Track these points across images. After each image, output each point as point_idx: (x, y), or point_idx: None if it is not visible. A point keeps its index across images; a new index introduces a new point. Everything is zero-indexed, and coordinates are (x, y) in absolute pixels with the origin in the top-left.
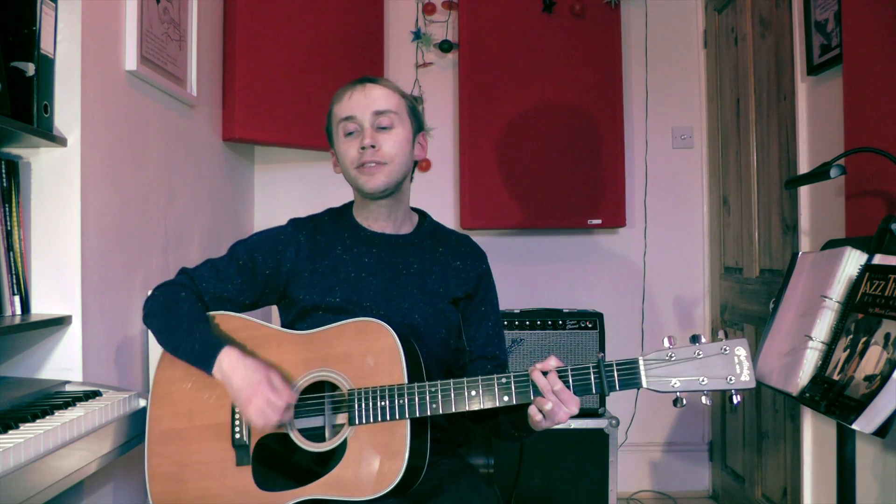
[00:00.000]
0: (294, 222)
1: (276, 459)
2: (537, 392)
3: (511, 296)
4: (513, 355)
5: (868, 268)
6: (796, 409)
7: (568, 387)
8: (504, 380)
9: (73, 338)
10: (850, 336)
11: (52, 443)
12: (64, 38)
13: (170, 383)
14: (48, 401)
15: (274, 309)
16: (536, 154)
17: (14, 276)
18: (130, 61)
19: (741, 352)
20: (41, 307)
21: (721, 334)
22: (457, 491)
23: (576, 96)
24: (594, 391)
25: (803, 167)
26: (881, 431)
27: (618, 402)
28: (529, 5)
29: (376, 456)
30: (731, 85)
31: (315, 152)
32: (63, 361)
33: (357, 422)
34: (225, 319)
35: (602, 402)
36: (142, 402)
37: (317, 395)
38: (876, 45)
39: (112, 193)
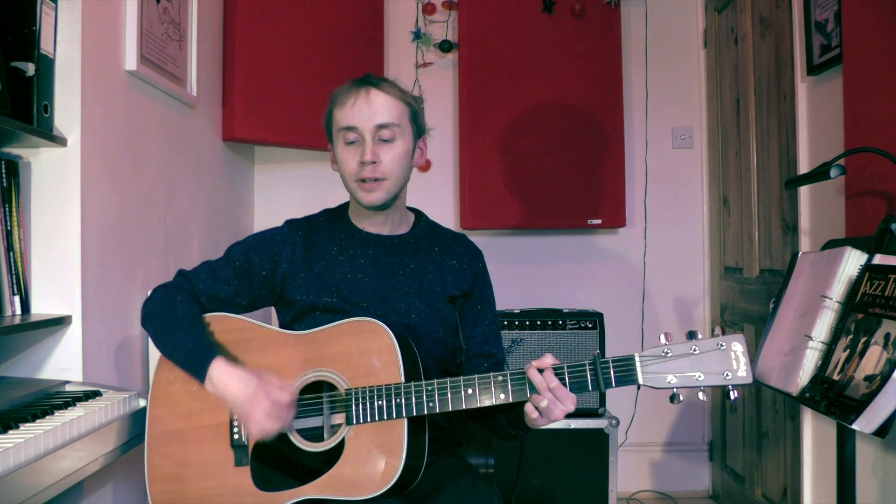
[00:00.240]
0: (290, 223)
1: (274, 459)
2: (533, 390)
3: (511, 296)
4: (513, 355)
5: (868, 268)
6: (796, 409)
7: (564, 384)
8: (500, 378)
9: (73, 338)
10: (850, 336)
11: (52, 443)
12: (64, 38)
13: (169, 384)
14: (48, 401)
15: (273, 310)
16: (536, 154)
17: (14, 276)
18: (130, 61)
19: (738, 347)
20: (41, 307)
21: (717, 330)
22: (457, 490)
23: (576, 96)
24: (590, 388)
25: (803, 167)
26: (881, 431)
27: (618, 402)
28: (529, 5)
29: (374, 455)
30: (731, 85)
31: (315, 152)
32: (63, 361)
33: (355, 421)
34: (222, 320)
35: (602, 403)
36: (142, 402)
37: (315, 395)
38: (876, 45)
39: (112, 193)
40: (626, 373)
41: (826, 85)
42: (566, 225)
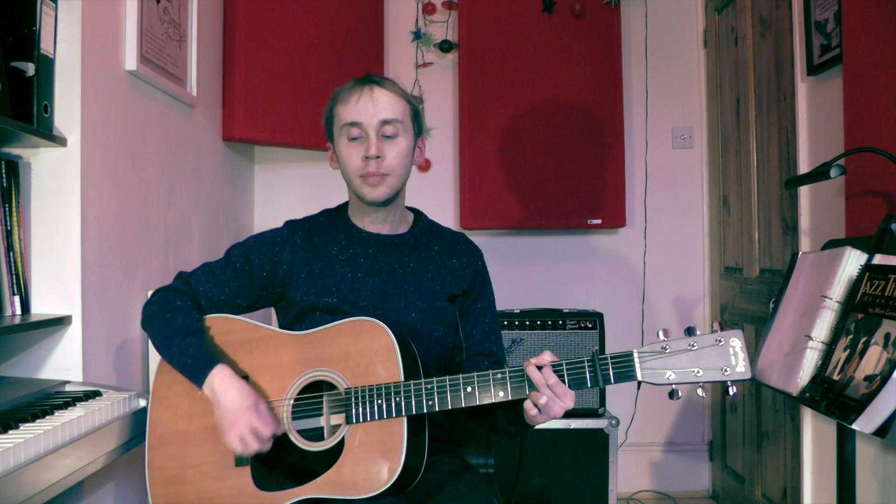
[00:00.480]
0: (290, 224)
1: (274, 459)
2: (532, 387)
3: (511, 296)
4: (513, 355)
5: (868, 268)
6: (796, 408)
7: (563, 381)
8: (499, 375)
9: (72, 338)
10: (850, 336)
11: (52, 443)
12: (64, 38)
13: (169, 386)
14: (48, 401)
15: (272, 311)
16: (536, 154)
17: (14, 276)
18: (130, 61)
19: (736, 343)
20: (41, 307)
21: (716, 326)
22: (457, 491)
23: (576, 96)
24: (589, 385)
25: (803, 167)
26: (881, 431)
27: (618, 402)
28: (529, 5)
29: (374, 454)
30: (731, 85)
31: (315, 152)
32: (63, 361)
33: (354, 420)
34: (222, 321)
35: (602, 402)
36: (142, 402)
37: (314, 395)
38: (876, 44)
39: (112, 193)
40: (624, 369)
41: (826, 85)
42: (566, 225)
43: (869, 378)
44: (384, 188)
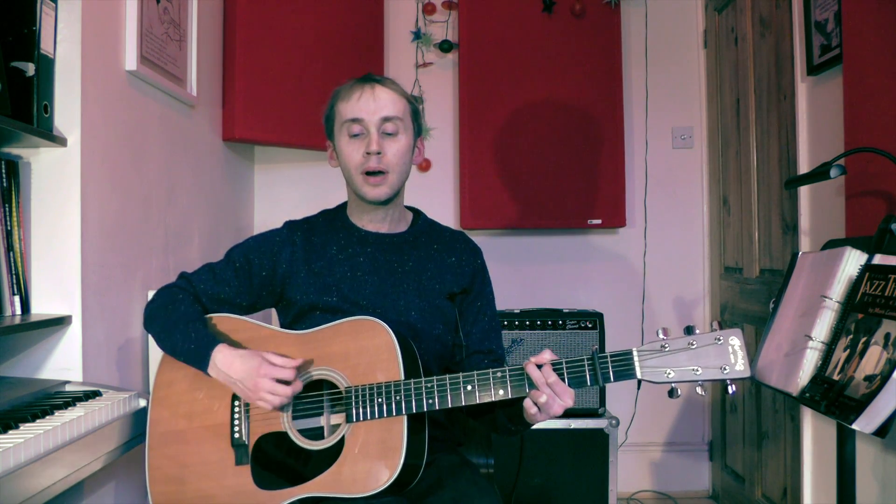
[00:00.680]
0: (289, 224)
1: (274, 458)
2: (532, 385)
3: (511, 296)
4: (513, 355)
5: (868, 268)
6: (796, 408)
7: (563, 379)
8: (499, 374)
9: (73, 338)
10: (850, 336)
11: (52, 443)
12: (64, 38)
13: (169, 386)
14: (48, 401)
15: (273, 312)
16: (536, 154)
17: (14, 276)
18: (130, 61)
19: (735, 342)
20: (41, 307)
21: (715, 325)
22: (456, 486)
23: (576, 96)
24: (589, 383)
25: (803, 167)
26: (881, 431)
27: (618, 402)
28: (529, 5)
29: (374, 453)
30: (731, 85)
31: (315, 152)
32: (63, 361)
33: (354, 419)
34: (223, 320)
35: (602, 403)
36: (142, 402)
37: (315, 394)
38: (876, 45)
39: (112, 193)
40: (624, 367)
41: (826, 85)
42: (566, 225)
43: (869, 378)
44: (385, 188)
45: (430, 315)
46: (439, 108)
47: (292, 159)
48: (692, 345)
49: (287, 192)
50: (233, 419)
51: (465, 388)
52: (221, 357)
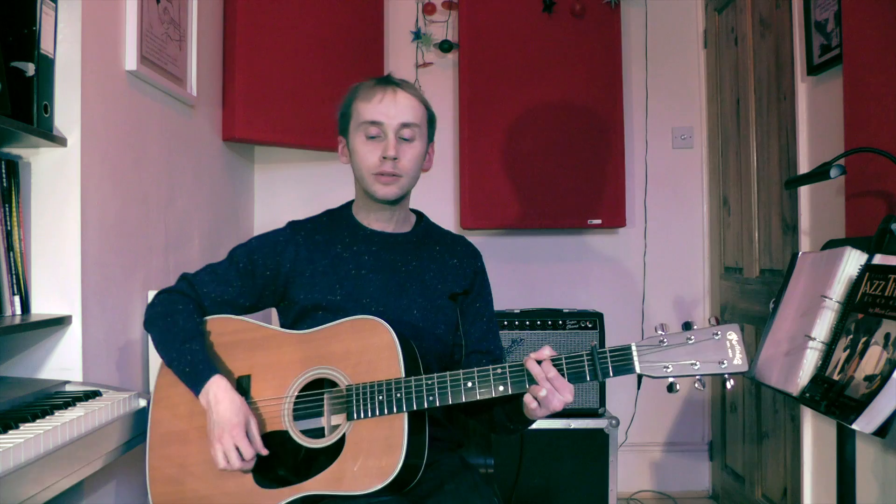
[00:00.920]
0: (292, 224)
1: (275, 457)
2: (532, 381)
3: (511, 296)
4: (513, 355)
5: (868, 268)
6: (796, 408)
7: (562, 375)
8: (499, 370)
9: (73, 338)
10: (850, 336)
11: (52, 443)
12: (64, 38)
13: (171, 387)
14: (48, 401)
15: (274, 313)
16: (536, 154)
17: (14, 276)
18: (130, 61)
19: (733, 336)
20: (41, 307)
21: (713, 321)
22: (457, 490)
23: (576, 96)
24: (588, 378)
25: (803, 167)
26: (881, 431)
27: (618, 402)
28: (529, 5)
29: (374, 450)
30: (731, 85)
31: (315, 152)
32: (63, 361)
33: (355, 417)
34: (224, 322)
35: (602, 402)
36: (142, 402)
37: (316, 392)
38: (876, 44)
39: (112, 193)
40: (623, 362)
41: (826, 85)
42: (566, 225)
43: (869, 378)
44: (395, 188)
45: (431, 314)
46: (439, 108)
47: (292, 159)
48: (690, 340)
49: (287, 192)
50: None
51: (465, 384)
52: (216, 389)
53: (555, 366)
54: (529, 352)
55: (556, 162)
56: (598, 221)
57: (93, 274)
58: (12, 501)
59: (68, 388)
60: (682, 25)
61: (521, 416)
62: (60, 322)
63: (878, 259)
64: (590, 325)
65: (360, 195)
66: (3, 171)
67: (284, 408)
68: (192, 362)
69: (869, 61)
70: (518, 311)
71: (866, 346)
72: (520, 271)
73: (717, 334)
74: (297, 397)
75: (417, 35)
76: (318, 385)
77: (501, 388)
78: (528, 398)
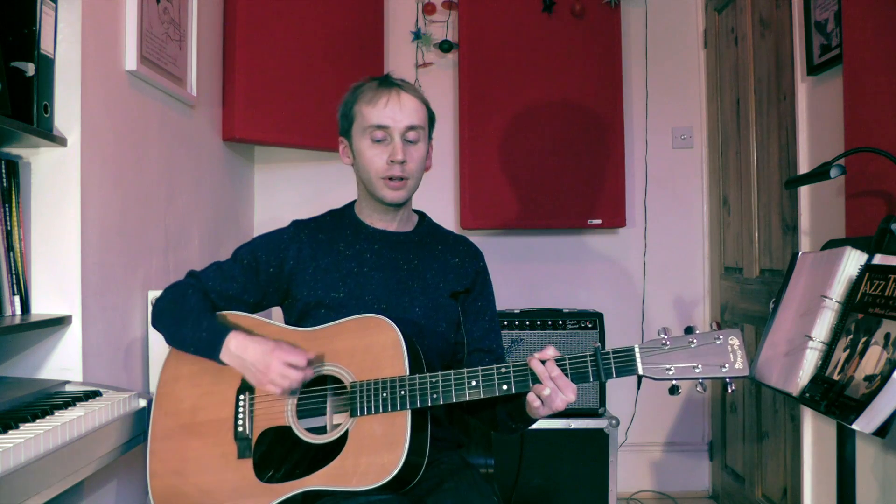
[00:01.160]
0: (296, 223)
1: (277, 452)
2: (536, 380)
3: (511, 296)
4: (513, 355)
5: (868, 268)
6: (796, 408)
7: (566, 374)
8: (503, 369)
9: (73, 338)
10: (850, 336)
11: (52, 443)
12: (64, 38)
13: (175, 381)
14: (48, 401)
15: (277, 311)
16: (536, 154)
17: (14, 276)
18: (130, 61)
19: (734, 341)
20: (41, 307)
21: (714, 326)
22: (457, 489)
23: (576, 96)
24: (591, 379)
25: (803, 167)
26: (881, 431)
27: (618, 402)
28: (529, 5)
29: (376, 447)
30: (731, 85)
31: (315, 152)
32: (63, 361)
33: (359, 413)
34: (231, 318)
35: (602, 402)
36: (142, 402)
37: (320, 389)
38: (876, 44)
39: (112, 193)
40: (626, 363)
41: (826, 85)
42: (566, 225)
43: (869, 378)
44: (404, 192)
45: (433, 312)
46: (439, 108)
47: (292, 159)
48: (692, 343)
49: (287, 192)
50: (237, 413)
51: (469, 383)
52: (235, 342)
53: (558, 365)
54: (529, 351)
55: (556, 162)
56: (598, 221)
57: (93, 274)
58: (12, 501)
59: (68, 388)
60: (682, 25)
61: (524, 414)
62: (60, 322)
63: (878, 259)
64: (590, 325)
65: (364, 196)
66: (3, 171)
67: (288, 404)
68: (207, 328)
69: (869, 61)
70: (518, 311)
71: (866, 346)
72: (520, 271)
73: (718, 338)
74: (302, 393)
75: (417, 35)
76: (323, 382)
77: (505, 386)
78: (531, 397)
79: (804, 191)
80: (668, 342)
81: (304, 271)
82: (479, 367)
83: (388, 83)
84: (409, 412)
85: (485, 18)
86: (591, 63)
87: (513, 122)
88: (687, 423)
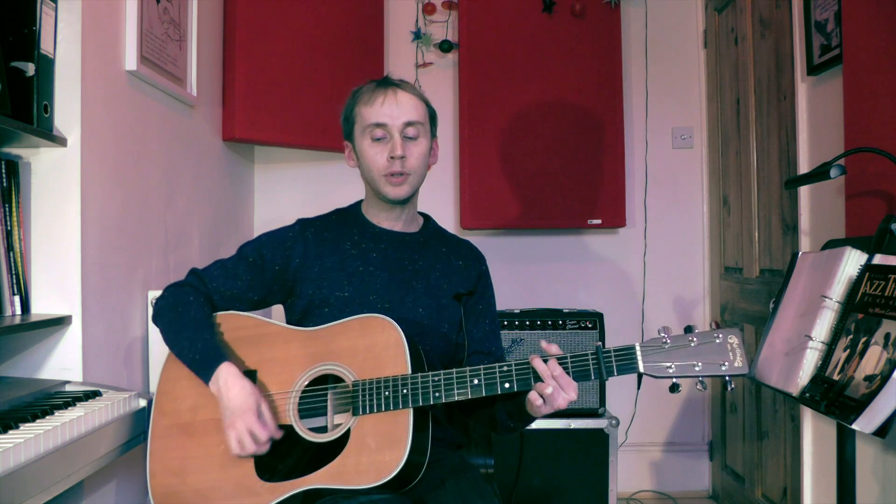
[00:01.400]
0: (302, 222)
1: (278, 450)
2: (538, 378)
3: (511, 296)
4: (513, 355)
5: (868, 268)
6: (796, 408)
7: (567, 373)
8: (505, 368)
9: (73, 338)
10: (850, 336)
11: (52, 443)
12: (64, 38)
13: (176, 380)
14: (48, 401)
15: (278, 311)
16: (536, 154)
17: (14, 276)
18: (130, 61)
19: (734, 340)
20: (41, 307)
21: (713, 325)
22: (457, 488)
23: (576, 96)
24: (593, 377)
25: (803, 167)
26: (881, 431)
27: (618, 402)
28: (529, 5)
29: (378, 445)
30: (731, 85)
31: (315, 152)
32: (63, 361)
33: (361, 412)
34: (233, 318)
35: (602, 402)
36: (142, 402)
37: (321, 388)
38: (876, 45)
39: (112, 193)
40: (627, 362)
41: (826, 85)
42: (566, 225)
43: (869, 378)
44: (406, 187)
45: (436, 313)
46: (439, 108)
47: (292, 159)
48: (692, 342)
49: (287, 192)
50: None
51: (471, 381)
52: (226, 376)
53: (560, 364)
54: (529, 351)
55: (556, 162)
56: (598, 221)
57: (93, 274)
58: (12, 501)
59: (68, 388)
60: (682, 25)
61: (523, 413)
62: (60, 322)
63: (878, 259)
64: (590, 325)
65: (370, 195)
66: (3, 171)
67: (289, 402)
68: (202, 350)
69: (869, 61)
70: (518, 311)
71: (866, 346)
72: (520, 271)
73: (718, 337)
74: (303, 392)
75: (417, 35)
76: (325, 381)
77: (507, 385)
78: (533, 395)
79: (804, 191)
80: (668, 341)
81: (310, 270)
82: (482, 366)
83: (384, 83)
84: (410, 411)
85: (485, 18)
86: (591, 63)
87: (513, 122)
88: (687, 423)
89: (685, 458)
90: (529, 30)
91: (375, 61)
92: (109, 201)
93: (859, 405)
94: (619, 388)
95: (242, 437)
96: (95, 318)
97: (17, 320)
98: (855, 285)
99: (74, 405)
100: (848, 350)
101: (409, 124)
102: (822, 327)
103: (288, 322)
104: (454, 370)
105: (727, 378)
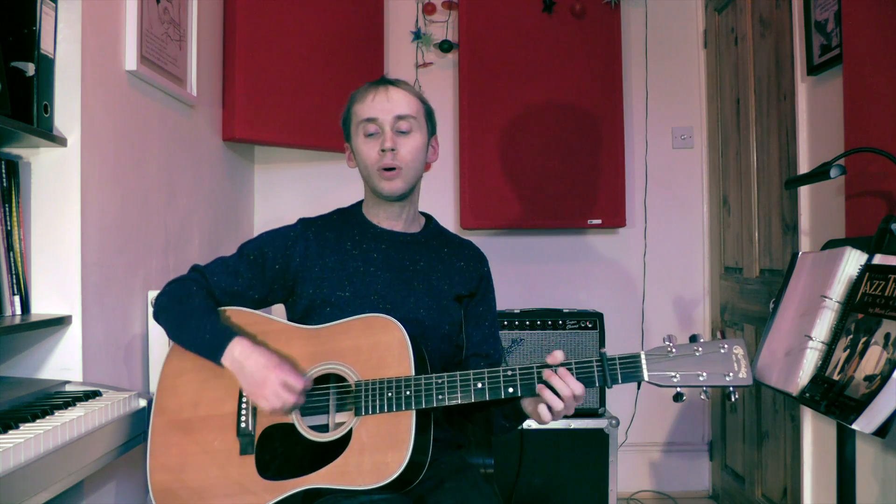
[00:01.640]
0: (303, 221)
1: (280, 449)
2: (540, 381)
3: (511, 296)
4: (513, 355)
5: (868, 268)
6: (796, 409)
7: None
8: (509, 372)
9: (73, 338)
10: (850, 336)
11: (52, 443)
12: (64, 38)
13: (177, 376)
14: (48, 401)
15: (278, 311)
16: (536, 154)
17: (14, 276)
18: (130, 61)
19: (739, 351)
20: (41, 307)
21: (718, 334)
22: (458, 488)
23: (576, 96)
24: (597, 384)
25: (803, 167)
26: (881, 431)
27: (618, 402)
28: (529, 5)
29: (380, 446)
30: (731, 85)
31: (315, 152)
32: (63, 361)
33: (363, 412)
34: (236, 314)
35: (602, 403)
36: (142, 402)
37: (324, 387)
38: (876, 45)
39: (112, 193)
40: (632, 370)
41: (826, 85)
42: (566, 225)
43: (869, 378)
44: (400, 181)
45: (438, 314)
46: (439, 108)
47: (292, 159)
48: (697, 351)
49: (287, 192)
50: (240, 409)
51: (475, 385)
52: (240, 348)
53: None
54: (529, 351)
55: (556, 162)
56: (598, 221)
57: (93, 274)
58: (12, 501)
59: (68, 388)
60: (682, 25)
61: (519, 413)
62: (60, 322)
63: (878, 259)
64: (590, 325)
65: (369, 194)
66: (3, 171)
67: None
68: (211, 331)
69: (869, 61)
70: (518, 311)
71: (866, 346)
72: (520, 271)
73: (723, 347)
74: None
75: (417, 35)
76: (327, 380)
77: (511, 389)
78: (542, 409)
79: (804, 191)
80: (673, 350)
81: (311, 269)
82: (486, 370)
83: (378, 81)
84: (413, 412)
85: (485, 18)
86: (591, 63)
87: (513, 122)
88: (687, 424)
89: (685, 458)
90: (529, 30)
91: (375, 61)
92: (109, 201)
93: (859, 405)
94: (619, 389)
95: (278, 389)
96: (95, 318)
97: (17, 320)
98: (855, 285)
99: (74, 405)
100: (848, 350)
101: (400, 118)
102: (822, 327)
103: (289, 321)
104: (458, 373)
105: (731, 389)
